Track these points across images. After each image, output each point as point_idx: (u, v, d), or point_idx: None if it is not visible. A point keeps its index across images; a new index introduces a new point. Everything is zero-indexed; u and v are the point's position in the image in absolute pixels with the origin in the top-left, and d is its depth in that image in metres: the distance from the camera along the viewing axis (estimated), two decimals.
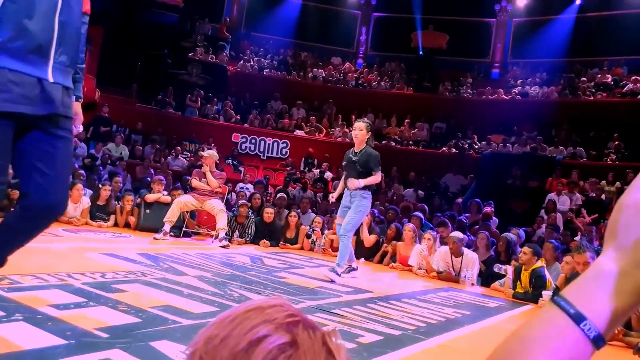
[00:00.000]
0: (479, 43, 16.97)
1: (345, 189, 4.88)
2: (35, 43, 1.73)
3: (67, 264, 4.05)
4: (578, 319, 0.49)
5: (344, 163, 4.97)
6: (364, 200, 4.72)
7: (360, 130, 4.83)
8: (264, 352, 0.51)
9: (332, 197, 5.40)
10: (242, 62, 15.81)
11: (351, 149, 4.97)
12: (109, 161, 10.02)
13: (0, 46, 1.66)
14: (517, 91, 14.53)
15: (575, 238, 7.90)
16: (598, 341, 0.49)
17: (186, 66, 14.51)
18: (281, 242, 7.29)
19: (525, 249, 5.07)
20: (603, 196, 9.67)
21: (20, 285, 2.96)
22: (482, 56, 17.09)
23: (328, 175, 11.91)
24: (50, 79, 1.80)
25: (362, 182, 4.63)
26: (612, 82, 13.40)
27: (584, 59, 15.16)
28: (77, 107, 2.04)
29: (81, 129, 2.12)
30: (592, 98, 13.10)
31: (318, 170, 12.30)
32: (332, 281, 4.49)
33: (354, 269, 5.12)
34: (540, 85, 14.54)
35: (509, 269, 5.40)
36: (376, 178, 4.76)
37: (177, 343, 2.21)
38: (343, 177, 5.08)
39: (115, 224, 6.95)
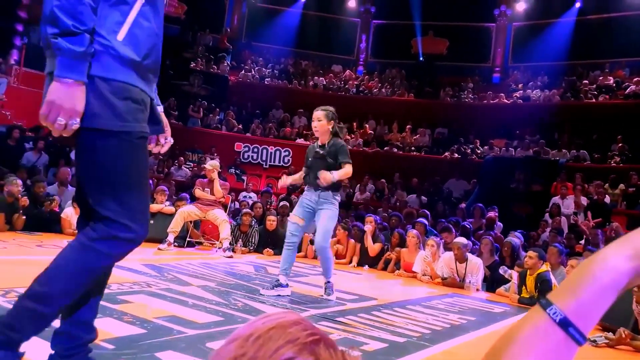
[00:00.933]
0: (479, 48, 17.05)
1: (307, 187, 4.24)
2: (156, 61, 1.65)
3: None
4: (565, 325, 0.51)
5: (309, 159, 4.26)
6: (335, 204, 4.14)
7: (319, 121, 4.13)
8: None
9: (284, 182, 4.52)
10: (243, 71, 15.91)
11: (315, 143, 4.31)
12: None
13: (134, 64, 1.54)
14: (518, 95, 14.55)
15: (580, 242, 7.88)
16: (581, 341, 0.51)
17: (188, 77, 14.64)
18: None
19: (531, 253, 5.04)
20: (607, 199, 9.64)
21: None
22: (482, 61, 17.15)
23: None
24: (154, 97, 1.73)
25: (336, 174, 3.99)
26: (614, 84, 13.42)
27: (585, 62, 15.20)
28: (164, 117, 1.91)
29: (172, 141, 1.96)
30: (594, 101, 13.10)
31: None
32: (330, 301, 4.07)
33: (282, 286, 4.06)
34: (541, 89, 14.56)
35: (514, 274, 5.39)
36: (348, 171, 4.08)
37: (182, 353, 2.22)
38: (302, 172, 4.37)
39: None
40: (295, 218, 4.16)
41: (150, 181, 9.93)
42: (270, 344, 0.53)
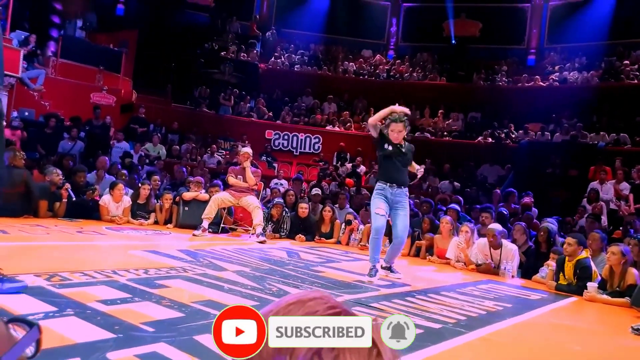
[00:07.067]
0: (513, 29, 16.50)
1: (385, 184, 4.60)
2: None
3: (112, 261, 4.20)
4: None
5: (390, 149, 4.64)
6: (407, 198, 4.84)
7: (399, 132, 4.73)
8: None
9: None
10: (273, 58, 15.91)
11: (390, 140, 4.69)
12: (147, 161, 10.30)
13: None
14: (554, 77, 14.06)
15: (620, 228, 7.61)
16: None
17: (218, 65, 14.72)
18: (316, 237, 7.33)
19: (570, 239, 4.89)
20: None
21: (69, 281, 3.08)
22: (517, 43, 16.60)
23: (362, 169, 11.87)
24: None
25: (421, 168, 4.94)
26: None
27: (626, 41, 14.47)
28: None
29: None
30: (636, 81, 12.53)
31: (351, 164, 12.27)
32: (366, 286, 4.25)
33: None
34: (579, 71, 14.02)
35: (552, 263, 5.25)
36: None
37: None
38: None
39: (156, 222, 7.14)
40: (382, 211, 4.56)
41: (184, 169, 10.20)
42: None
